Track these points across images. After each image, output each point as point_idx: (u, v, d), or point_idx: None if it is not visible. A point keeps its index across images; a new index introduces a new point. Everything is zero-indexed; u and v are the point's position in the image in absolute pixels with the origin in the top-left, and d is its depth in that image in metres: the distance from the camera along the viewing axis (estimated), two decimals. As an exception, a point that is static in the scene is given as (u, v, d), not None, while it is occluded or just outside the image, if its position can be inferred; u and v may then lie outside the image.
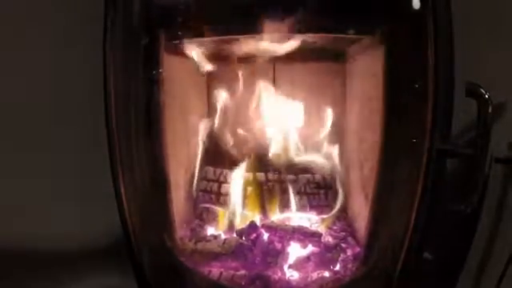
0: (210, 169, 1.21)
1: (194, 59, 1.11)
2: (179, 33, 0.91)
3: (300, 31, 0.90)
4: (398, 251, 0.83)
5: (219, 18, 0.87)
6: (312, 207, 1.15)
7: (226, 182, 1.16)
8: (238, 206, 1.14)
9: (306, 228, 1.08)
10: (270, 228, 1.07)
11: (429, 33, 0.76)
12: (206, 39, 0.99)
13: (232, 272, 0.96)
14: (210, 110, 1.22)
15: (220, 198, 1.16)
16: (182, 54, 1.05)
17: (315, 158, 1.16)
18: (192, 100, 1.18)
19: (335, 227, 1.12)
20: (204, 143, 1.22)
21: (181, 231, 1.07)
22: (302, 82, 1.14)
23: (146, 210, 0.92)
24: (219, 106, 1.19)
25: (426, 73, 0.77)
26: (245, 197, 1.14)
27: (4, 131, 0.93)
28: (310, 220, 1.15)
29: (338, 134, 1.18)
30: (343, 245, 1.05)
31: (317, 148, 1.16)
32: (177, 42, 0.97)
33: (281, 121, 1.18)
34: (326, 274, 0.97)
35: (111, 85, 0.83)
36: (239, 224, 1.12)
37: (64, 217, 0.96)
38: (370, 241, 0.91)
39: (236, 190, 1.15)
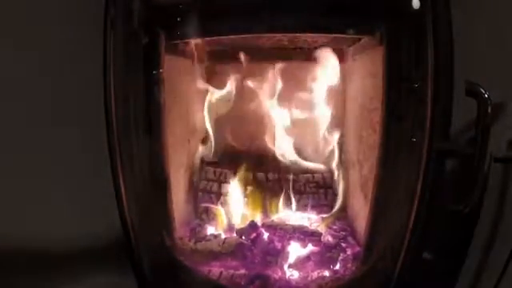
0: (210, 169, 1.21)
1: (194, 59, 1.11)
2: (179, 32, 0.91)
3: (300, 31, 0.90)
4: (397, 250, 0.83)
5: (219, 17, 0.87)
6: (312, 207, 1.15)
7: (225, 181, 1.17)
8: (238, 205, 1.14)
9: (306, 227, 1.08)
10: (269, 227, 1.07)
11: (428, 33, 0.76)
12: (206, 39, 0.99)
13: (232, 271, 0.96)
14: (211, 111, 1.22)
15: (220, 197, 1.16)
16: (182, 53, 1.06)
17: (315, 158, 1.16)
18: (192, 100, 1.18)
19: (335, 227, 1.12)
20: (204, 143, 1.22)
21: (181, 231, 1.07)
22: (302, 81, 1.14)
23: (145, 209, 0.92)
24: (219, 106, 1.19)
25: (425, 73, 0.77)
26: (245, 196, 1.15)
27: (4, 131, 0.93)
28: (309, 219, 1.15)
29: (338, 134, 1.18)
30: (343, 244, 1.05)
31: (316, 148, 1.16)
32: (177, 41, 0.97)
33: (281, 120, 1.18)
34: (326, 273, 0.97)
35: (111, 85, 0.83)
36: (239, 223, 1.12)
37: (64, 217, 0.96)
38: (370, 240, 0.92)
39: (236, 190, 1.15)
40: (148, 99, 0.89)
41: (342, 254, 1.02)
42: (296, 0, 0.83)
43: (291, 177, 1.16)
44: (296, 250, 1.03)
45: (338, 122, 1.19)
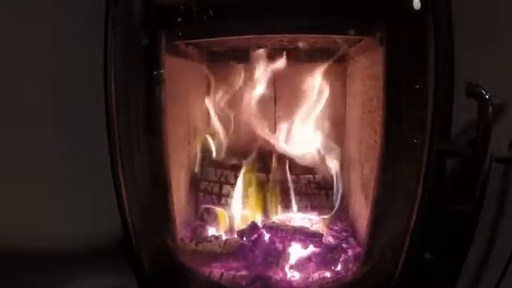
0: (211, 169, 1.21)
1: (194, 59, 1.11)
2: (180, 33, 0.91)
3: (300, 32, 0.90)
4: (398, 251, 0.83)
5: (220, 18, 0.87)
6: (313, 207, 1.15)
7: (226, 182, 1.16)
8: (238, 206, 1.14)
9: (307, 228, 1.08)
10: (270, 228, 1.07)
11: (429, 33, 0.76)
12: (206, 40, 0.99)
13: (233, 272, 0.96)
14: (211, 111, 1.22)
15: (221, 198, 1.16)
16: (182, 54, 1.06)
17: (316, 159, 1.16)
18: (193, 100, 1.18)
19: (336, 227, 1.12)
20: (205, 144, 1.22)
21: (181, 232, 1.07)
22: (303, 82, 1.14)
23: (146, 210, 0.92)
24: (220, 106, 1.19)
25: (425, 73, 0.77)
26: (246, 197, 1.14)
27: (4, 131, 0.93)
28: (310, 220, 1.15)
29: (339, 135, 1.18)
30: (344, 245, 1.05)
31: (317, 148, 1.16)
32: (178, 42, 0.97)
33: (281, 121, 1.18)
34: (327, 274, 0.97)
35: (112, 85, 0.83)
36: (240, 224, 1.12)
37: (64, 217, 0.96)
38: (371, 241, 0.91)
39: (237, 191, 1.15)
40: (148, 99, 0.89)
41: (343, 255, 1.01)
42: (296, 1, 0.83)
43: (292, 177, 1.15)
44: (297, 251, 1.02)
45: (339, 122, 1.19)
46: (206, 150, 1.23)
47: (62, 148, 0.94)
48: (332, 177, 1.16)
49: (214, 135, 1.21)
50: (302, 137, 1.17)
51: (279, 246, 1.03)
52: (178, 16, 0.87)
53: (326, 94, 1.15)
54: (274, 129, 1.20)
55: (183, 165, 1.13)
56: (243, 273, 0.96)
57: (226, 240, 1.06)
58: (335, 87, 1.19)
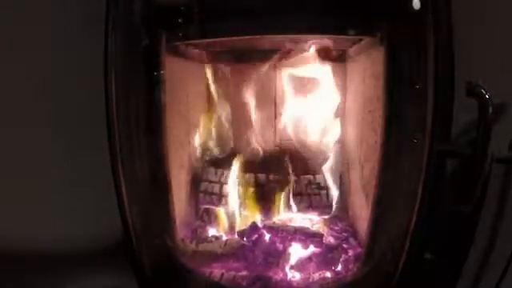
0: (212, 170, 1.21)
1: (194, 60, 1.11)
2: (180, 34, 0.91)
3: (300, 31, 0.90)
4: (398, 251, 0.83)
5: (220, 19, 0.87)
6: (313, 208, 1.15)
7: (227, 183, 1.16)
8: (239, 206, 1.14)
9: (308, 229, 1.08)
10: (271, 229, 1.07)
11: (429, 33, 0.76)
12: (206, 40, 0.99)
13: (233, 273, 0.96)
14: (211, 111, 1.22)
15: (221, 199, 1.16)
16: (183, 54, 1.06)
17: (316, 159, 1.16)
18: (193, 100, 1.18)
19: (336, 228, 1.12)
20: (205, 144, 1.22)
21: (182, 232, 1.07)
22: (303, 81, 1.14)
23: (147, 210, 0.92)
24: (220, 106, 1.19)
25: (425, 73, 0.77)
26: (246, 198, 1.14)
27: (4, 131, 0.94)
28: (311, 220, 1.15)
29: (339, 135, 1.18)
30: (344, 245, 1.05)
31: (317, 148, 1.16)
32: (178, 42, 0.97)
33: (281, 121, 1.18)
34: (328, 274, 0.97)
35: (112, 85, 0.83)
36: (240, 225, 1.12)
37: (64, 217, 0.96)
38: (371, 241, 0.91)
39: (237, 191, 1.15)
40: (149, 100, 0.89)
41: (343, 255, 1.01)
42: (296, 1, 0.83)
43: (293, 178, 1.15)
44: (297, 252, 1.02)
45: (339, 122, 1.19)
46: (206, 150, 1.23)
47: (62, 148, 0.94)
48: (332, 177, 1.17)
49: (214, 135, 1.21)
50: (302, 137, 1.17)
51: (279, 246, 1.03)
52: (178, 16, 0.87)
53: (326, 93, 1.15)
54: (274, 129, 1.20)
55: (183, 165, 1.13)
56: (244, 273, 0.96)
57: (227, 240, 1.06)
58: (335, 87, 1.19)
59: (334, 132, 1.17)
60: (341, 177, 1.16)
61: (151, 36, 0.87)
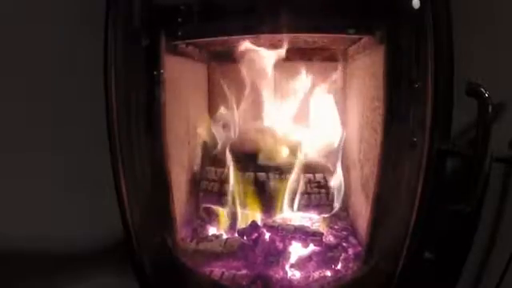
0: (212, 169, 1.21)
1: (194, 59, 1.11)
2: (180, 33, 0.91)
3: (300, 31, 0.90)
4: (398, 250, 0.83)
5: (220, 18, 0.87)
6: (313, 207, 1.15)
7: (227, 182, 1.17)
8: (239, 205, 1.14)
9: (308, 227, 1.08)
10: (271, 228, 1.07)
11: (429, 32, 0.76)
12: (206, 39, 0.99)
13: (233, 272, 0.96)
14: (211, 110, 1.22)
15: (221, 198, 1.16)
16: (183, 54, 1.06)
17: (316, 158, 1.16)
18: (193, 100, 1.19)
19: (336, 226, 1.12)
20: (205, 143, 1.22)
21: (182, 231, 1.07)
22: (303, 81, 1.14)
23: (147, 210, 0.92)
24: (220, 105, 1.19)
25: (425, 72, 0.77)
26: (246, 197, 1.14)
27: (4, 131, 0.93)
28: (311, 219, 1.15)
29: (339, 134, 1.18)
30: (344, 244, 1.06)
31: (318, 147, 1.16)
32: (178, 42, 0.97)
33: (281, 121, 1.18)
34: (328, 273, 0.98)
35: (112, 85, 0.83)
36: (240, 224, 1.12)
37: (64, 217, 0.96)
38: (371, 240, 0.92)
39: (237, 190, 1.15)
40: (149, 99, 0.89)
41: (343, 254, 1.02)
42: (296, 0, 0.83)
43: (293, 177, 1.15)
44: (297, 250, 1.03)
45: (339, 121, 1.19)
46: (206, 150, 1.23)
47: (62, 148, 0.94)
48: (332, 176, 1.17)
49: (214, 134, 1.21)
50: (302, 136, 1.17)
51: (280, 245, 1.03)
52: (178, 16, 0.87)
53: (326, 93, 1.15)
54: (273, 128, 1.20)
55: (183, 164, 1.13)
56: (244, 272, 0.97)
57: (227, 239, 1.06)
58: (335, 86, 1.19)
59: (334, 131, 1.17)
60: (341, 175, 1.16)
61: (151, 35, 0.87)
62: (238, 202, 1.14)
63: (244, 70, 1.12)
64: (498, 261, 0.83)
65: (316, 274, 0.97)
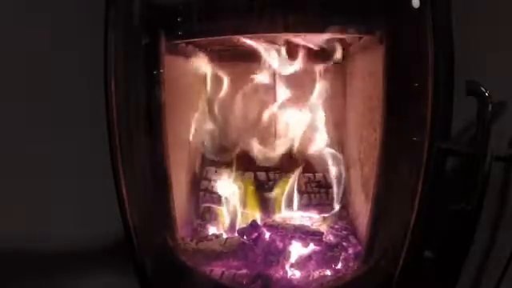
0: (212, 168, 1.21)
1: (194, 59, 1.11)
2: (180, 33, 0.91)
3: (300, 30, 0.90)
4: (398, 250, 0.83)
5: (219, 17, 0.87)
6: (313, 206, 1.15)
7: (227, 181, 1.17)
8: (239, 205, 1.14)
9: (308, 227, 1.08)
10: (271, 227, 1.07)
11: (429, 32, 0.76)
12: (206, 39, 0.99)
13: (233, 271, 0.96)
14: (211, 110, 1.22)
15: (221, 197, 1.16)
16: (182, 53, 1.06)
17: (316, 157, 1.16)
18: (193, 100, 1.19)
19: (336, 226, 1.12)
20: (205, 143, 1.22)
21: (182, 231, 1.07)
22: (303, 80, 1.14)
23: (147, 209, 0.92)
24: (220, 105, 1.19)
25: (425, 71, 0.77)
26: (246, 196, 1.15)
27: (4, 131, 0.93)
28: (311, 219, 1.15)
29: (339, 133, 1.18)
30: (344, 243, 1.06)
31: (318, 147, 1.16)
32: (178, 41, 0.97)
33: (281, 120, 1.18)
34: (328, 272, 0.98)
35: (112, 85, 0.83)
36: (240, 223, 1.12)
37: (64, 217, 0.96)
38: (371, 239, 0.92)
39: (237, 190, 1.15)
40: (149, 99, 0.89)
41: (343, 253, 1.02)
42: (296, 0, 0.83)
43: (293, 176, 1.16)
44: (297, 250, 1.03)
45: (339, 120, 1.19)
46: (206, 149, 1.23)
47: (62, 148, 0.94)
48: (332, 175, 1.17)
49: (214, 134, 1.21)
50: (303, 135, 1.17)
51: (280, 244, 1.03)
52: (178, 15, 0.87)
53: (326, 92, 1.15)
54: (274, 127, 1.20)
55: (183, 164, 1.13)
56: (244, 271, 0.97)
57: (227, 239, 1.06)
58: (335, 86, 1.19)
59: (334, 130, 1.17)
60: (341, 175, 1.16)
61: (151, 35, 0.87)
62: (237, 201, 1.14)
63: (244, 70, 1.12)
64: (498, 260, 0.83)
65: (316, 274, 0.97)
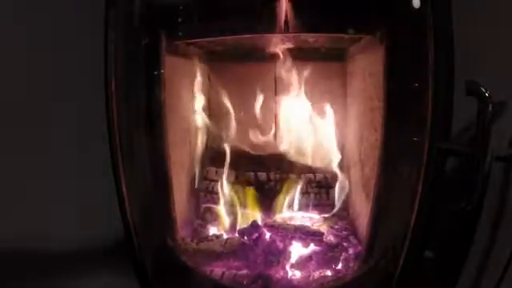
0: (212, 169, 1.21)
1: (194, 59, 1.11)
2: (180, 33, 0.91)
3: (300, 31, 0.90)
4: (398, 250, 0.83)
5: (220, 18, 0.87)
6: (314, 206, 1.15)
7: (227, 181, 1.17)
8: (239, 205, 1.14)
9: (308, 227, 1.08)
10: (271, 227, 1.07)
11: (429, 32, 0.76)
12: (206, 39, 0.99)
13: (234, 272, 0.96)
14: (211, 110, 1.22)
15: (222, 197, 1.16)
16: (183, 53, 1.06)
17: (316, 157, 1.16)
18: (193, 100, 1.18)
19: (337, 226, 1.12)
20: (205, 143, 1.22)
21: (182, 231, 1.07)
22: (303, 81, 1.14)
23: (147, 209, 0.92)
24: (220, 105, 1.19)
25: (426, 71, 0.77)
26: (246, 196, 1.15)
27: (4, 131, 0.93)
28: (311, 219, 1.15)
29: (339, 134, 1.18)
30: (345, 244, 1.05)
31: (318, 147, 1.16)
32: (178, 41, 0.97)
33: (282, 120, 1.18)
34: (328, 272, 0.98)
35: (112, 85, 0.83)
36: (241, 223, 1.12)
37: (64, 217, 0.96)
38: (372, 239, 0.92)
39: (238, 190, 1.15)
40: (149, 99, 0.90)
41: (343, 254, 1.02)
42: (296, 0, 0.83)
43: (293, 176, 1.16)
44: (298, 250, 1.03)
45: (340, 121, 1.19)
46: (206, 149, 1.23)
47: (62, 148, 0.94)
48: (333, 175, 1.17)
49: (214, 134, 1.21)
50: (303, 135, 1.17)
51: (280, 244, 1.03)
52: (178, 16, 0.87)
53: (327, 92, 1.15)
54: (274, 127, 1.20)
55: (184, 164, 1.13)
56: (244, 272, 0.97)
57: (227, 239, 1.06)
58: (335, 86, 1.19)
59: (334, 131, 1.17)
60: (341, 175, 1.16)
61: (151, 35, 0.88)
62: (238, 201, 1.14)
63: (244, 70, 1.12)
64: (499, 260, 0.83)
65: (316, 274, 0.97)
